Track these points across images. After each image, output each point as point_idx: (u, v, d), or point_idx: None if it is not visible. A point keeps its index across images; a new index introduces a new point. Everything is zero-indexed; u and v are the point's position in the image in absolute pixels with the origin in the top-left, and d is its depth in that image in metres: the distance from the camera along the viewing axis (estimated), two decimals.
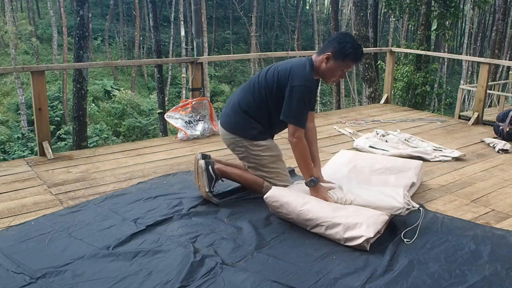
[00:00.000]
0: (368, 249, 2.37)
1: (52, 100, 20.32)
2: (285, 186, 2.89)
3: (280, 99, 2.77)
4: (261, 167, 2.92)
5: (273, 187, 2.83)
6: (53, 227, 2.60)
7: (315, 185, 2.74)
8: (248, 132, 2.89)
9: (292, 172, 3.53)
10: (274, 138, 3.10)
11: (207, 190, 2.89)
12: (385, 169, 3.25)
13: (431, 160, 3.98)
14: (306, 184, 2.77)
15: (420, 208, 2.62)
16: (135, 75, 25.83)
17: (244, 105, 2.89)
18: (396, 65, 9.64)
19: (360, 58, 2.78)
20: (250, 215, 2.77)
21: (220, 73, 28.63)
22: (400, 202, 2.54)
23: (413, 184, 3.14)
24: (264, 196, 2.73)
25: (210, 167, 2.93)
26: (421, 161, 3.55)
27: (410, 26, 22.77)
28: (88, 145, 11.14)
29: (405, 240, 2.48)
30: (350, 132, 4.86)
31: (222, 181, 3.09)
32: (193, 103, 4.79)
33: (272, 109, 2.84)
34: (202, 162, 2.93)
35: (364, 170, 3.25)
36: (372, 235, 2.38)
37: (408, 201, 2.59)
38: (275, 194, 2.68)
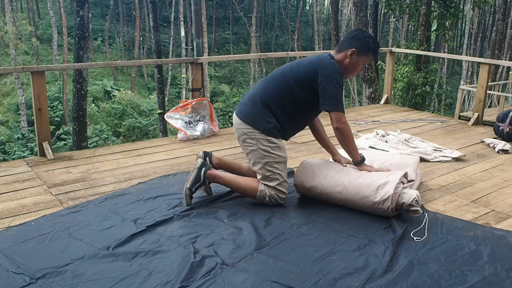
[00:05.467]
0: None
1: (52, 100, 20.35)
2: (281, 191, 2.90)
3: (306, 92, 2.84)
4: (266, 165, 2.87)
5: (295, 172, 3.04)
6: (53, 228, 2.60)
7: (363, 161, 2.99)
8: (263, 124, 2.84)
9: (292, 173, 3.53)
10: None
11: (188, 186, 2.85)
12: (383, 166, 3.24)
13: (431, 160, 3.97)
14: (356, 163, 2.98)
15: (425, 213, 2.62)
16: (135, 75, 25.84)
17: (265, 97, 2.87)
18: (396, 66, 9.63)
19: (378, 51, 3.07)
20: (250, 215, 2.77)
21: (220, 74, 28.64)
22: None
23: (412, 181, 3.14)
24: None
25: (203, 169, 2.89)
26: (418, 157, 3.55)
27: (410, 26, 22.78)
28: (88, 145, 11.14)
29: (414, 238, 2.50)
30: None
31: (207, 186, 3.03)
32: (193, 103, 4.79)
33: (292, 105, 2.87)
34: (200, 160, 2.93)
35: None
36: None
37: (418, 196, 2.66)
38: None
